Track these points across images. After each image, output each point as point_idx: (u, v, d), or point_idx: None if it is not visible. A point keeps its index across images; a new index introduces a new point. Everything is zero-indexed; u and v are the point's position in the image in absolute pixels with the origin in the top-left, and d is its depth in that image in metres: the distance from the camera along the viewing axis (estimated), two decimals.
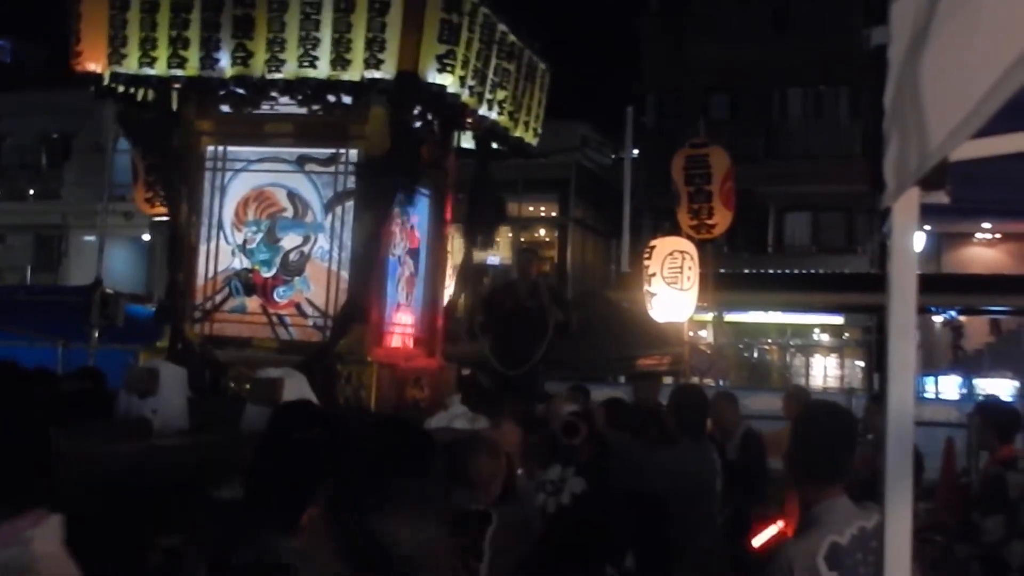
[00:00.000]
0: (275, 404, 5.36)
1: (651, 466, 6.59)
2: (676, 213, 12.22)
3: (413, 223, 8.06)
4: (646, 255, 11.39)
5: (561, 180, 32.95)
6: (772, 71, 31.42)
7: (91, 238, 32.06)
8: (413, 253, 8.14)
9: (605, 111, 34.02)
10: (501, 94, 7.79)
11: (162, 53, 7.24)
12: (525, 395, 8.64)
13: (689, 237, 11.93)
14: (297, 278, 7.45)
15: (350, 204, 7.38)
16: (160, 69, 7.30)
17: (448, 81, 6.87)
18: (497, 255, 33.35)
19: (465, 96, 7.18)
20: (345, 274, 7.36)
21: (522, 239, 32.49)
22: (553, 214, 33.99)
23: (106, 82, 7.64)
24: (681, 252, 11.36)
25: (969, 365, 28.85)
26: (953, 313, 28.83)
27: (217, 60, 7.13)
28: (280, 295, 7.51)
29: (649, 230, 26.54)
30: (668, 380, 19.40)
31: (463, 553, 4.52)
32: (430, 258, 8.37)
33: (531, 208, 34.40)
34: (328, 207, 7.38)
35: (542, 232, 34.28)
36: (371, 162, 7.27)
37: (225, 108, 7.69)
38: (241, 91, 7.36)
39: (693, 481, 6.62)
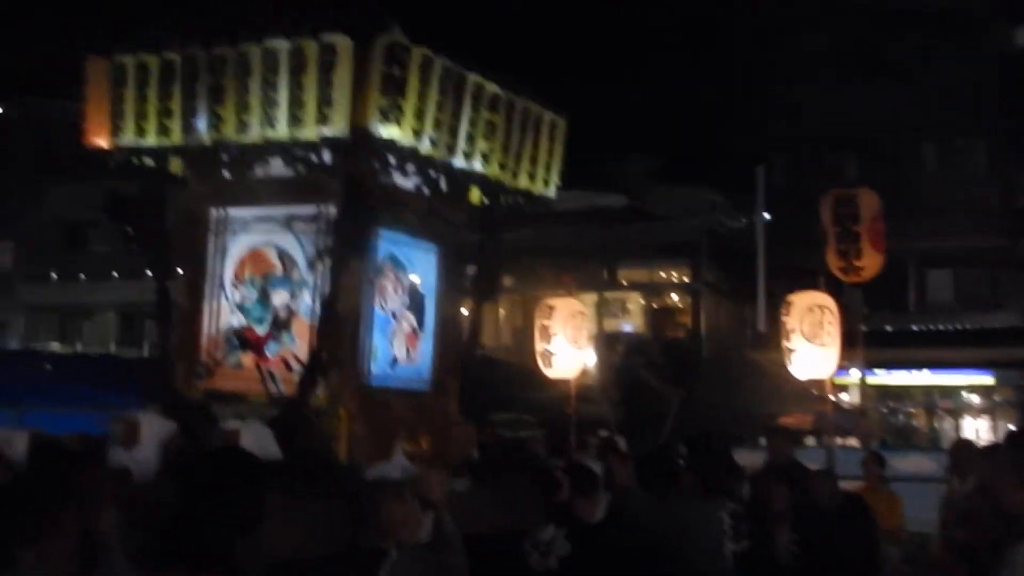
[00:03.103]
0: None
1: (656, 518, 6.55)
2: (824, 255, 12.01)
3: (412, 278, 8.13)
4: (784, 311, 11.15)
5: (692, 245, 32.79)
6: (904, 123, 30.87)
7: None
8: (416, 309, 8.19)
9: (734, 175, 33.85)
10: (484, 145, 7.82)
11: (151, 124, 7.70)
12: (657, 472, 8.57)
13: (837, 280, 11.71)
14: (285, 334, 7.67)
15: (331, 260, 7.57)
16: (150, 139, 7.75)
17: (395, 133, 6.98)
18: (630, 322, 33.25)
19: (426, 148, 7.26)
20: None
21: (654, 305, 32.30)
22: (685, 279, 33.74)
23: (117, 156, 8.03)
24: (820, 307, 11.09)
25: None
26: None
27: (195, 127, 7.53)
28: (271, 351, 7.72)
29: (784, 290, 26.11)
30: (811, 440, 19.10)
31: None
32: (440, 314, 8.41)
33: (662, 274, 34.26)
34: (311, 264, 7.60)
35: (675, 298, 34.03)
36: (335, 218, 7.43)
37: (225, 173, 7.92)
38: (236, 156, 7.74)
39: (699, 537, 6.56)
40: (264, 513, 4.23)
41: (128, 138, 7.84)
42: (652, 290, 33.80)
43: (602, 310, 32.94)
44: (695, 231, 33.07)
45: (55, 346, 38.62)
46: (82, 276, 41.09)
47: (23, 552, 3.19)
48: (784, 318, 11.16)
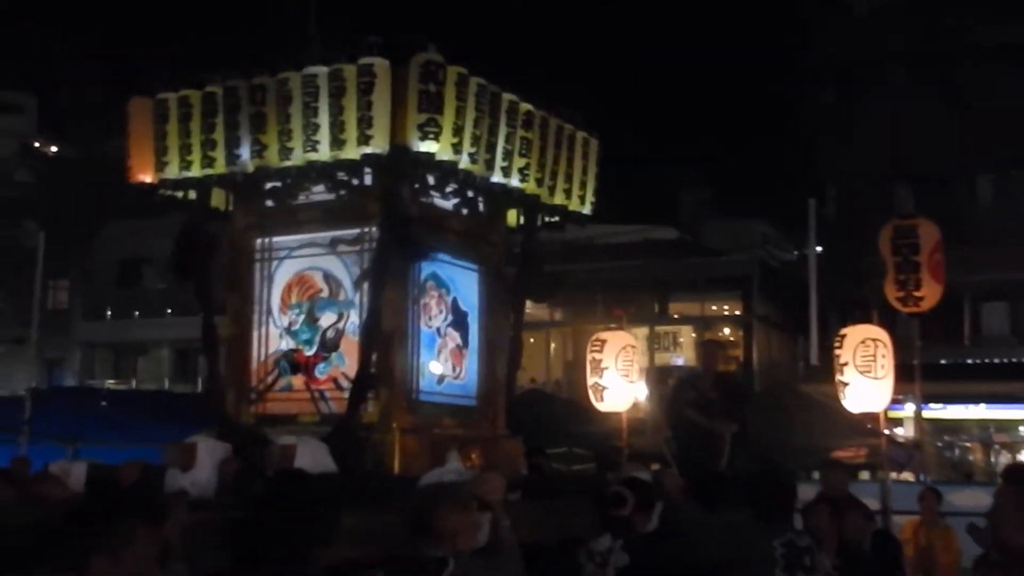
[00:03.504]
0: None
1: (706, 528, 6.52)
2: (879, 286, 11.94)
3: (455, 297, 8.22)
4: (836, 344, 11.05)
5: (743, 278, 32.66)
6: (956, 155, 30.58)
7: None
8: (459, 326, 8.28)
9: (785, 207, 33.75)
10: (521, 161, 7.95)
11: (196, 156, 7.88)
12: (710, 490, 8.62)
13: (891, 313, 11.64)
14: (334, 354, 7.81)
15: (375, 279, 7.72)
16: (195, 171, 7.93)
17: (434, 148, 7.10)
18: (681, 356, 33.11)
19: (465, 163, 7.36)
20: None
21: (705, 338, 32.15)
22: (736, 312, 33.60)
23: (161, 191, 8.28)
24: (873, 340, 10.97)
25: None
26: None
27: (239, 155, 7.69)
28: (320, 371, 7.87)
29: (836, 323, 25.91)
30: (865, 474, 18.87)
31: None
32: (484, 332, 8.49)
33: (714, 307, 34.14)
34: (356, 284, 7.73)
35: (726, 331, 33.86)
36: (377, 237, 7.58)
37: (268, 203, 8.09)
38: (278, 185, 7.79)
39: (748, 550, 6.47)
40: (337, 528, 4.32)
41: (172, 171, 8.03)
42: (703, 323, 33.64)
43: (653, 343, 32.84)
44: (746, 264, 32.94)
45: (110, 382, 39.10)
46: (136, 313, 41.59)
47: (97, 559, 3.26)
48: (836, 351, 11.07)
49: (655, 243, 33.87)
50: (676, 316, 34.03)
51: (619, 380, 12.26)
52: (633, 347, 12.82)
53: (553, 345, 34.28)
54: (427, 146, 7.08)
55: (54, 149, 51.45)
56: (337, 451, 6.89)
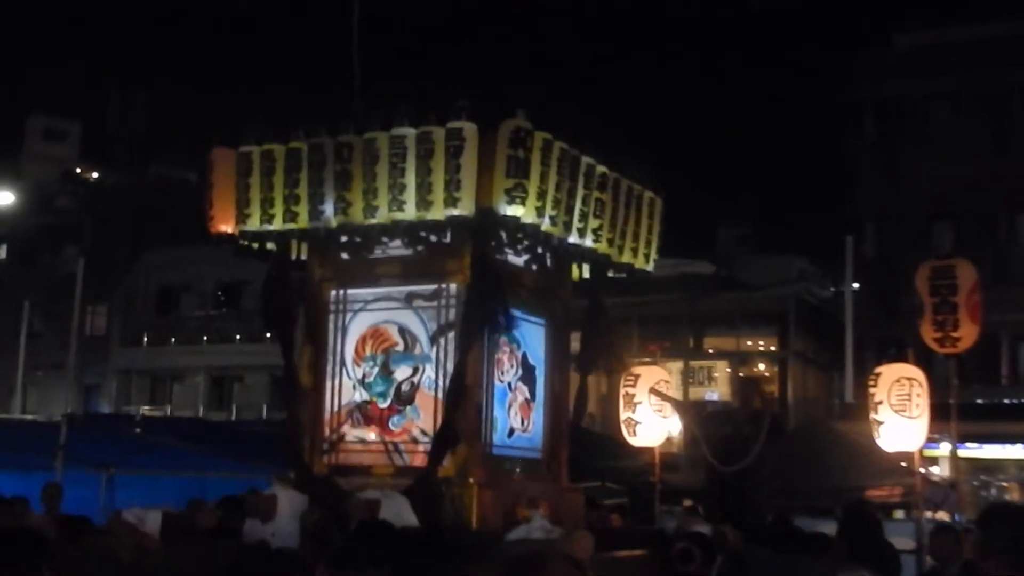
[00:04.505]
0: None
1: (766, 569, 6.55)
2: (916, 325, 11.88)
3: (525, 351, 8.30)
4: (871, 382, 11.02)
5: (780, 314, 32.51)
6: (997, 195, 30.35)
7: None
8: (528, 380, 8.42)
9: (823, 244, 33.61)
10: (595, 223, 8.04)
11: (278, 210, 8.04)
12: (742, 505, 8.62)
13: (927, 351, 11.59)
14: (408, 407, 7.95)
15: (452, 335, 7.74)
16: (277, 224, 8.10)
17: (520, 212, 7.27)
18: (715, 391, 32.94)
19: (546, 225, 7.53)
20: None
21: (740, 374, 31.97)
22: (772, 348, 33.43)
23: (241, 241, 8.54)
24: (909, 379, 10.95)
25: None
26: None
27: (323, 212, 7.84)
28: (394, 424, 8.00)
29: (873, 361, 25.72)
30: (899, 514, 18.68)
31: None
32: (549, 385, 8.58)
33: (749, 343, 33.98)
34: (433, 339, 7.87)
35: (761, 366, 33.67)
36: (462, 295, 7.73)
37: (344, 255, 8.27)
38: (357, 239, 7.96)
39: None
40: None
41: (254, 224, 8.14)
42: (739, 358, 33.48)
43: (688, 378, 32.69)
44: (783, 300, 32.80)
45: (145, 409, 39.27)
46: (173, 340, 41.85)
47: None
48: (871, 389, 11.02)
49: (691, 277, 33.79)
50: (711, 351, 33.88)
51: (652, 415, 12.22)
52: (667, 382, 12.80)
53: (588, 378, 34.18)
54: (514, 210, 7.19)
55: (96, 176, 51.98)
56: (416, 505, 6.95)
